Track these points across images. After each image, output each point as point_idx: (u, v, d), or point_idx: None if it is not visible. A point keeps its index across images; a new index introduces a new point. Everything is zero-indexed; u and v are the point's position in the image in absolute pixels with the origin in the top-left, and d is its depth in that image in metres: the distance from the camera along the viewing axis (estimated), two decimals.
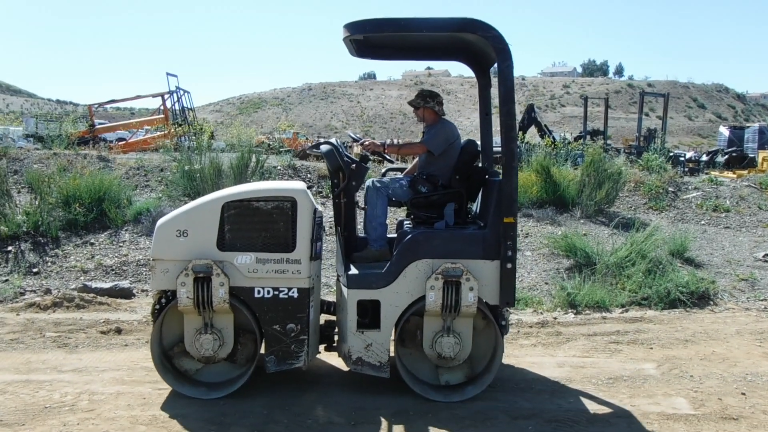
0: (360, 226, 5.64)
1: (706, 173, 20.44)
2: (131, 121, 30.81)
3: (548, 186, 11.31)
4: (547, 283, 8.28)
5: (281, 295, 4.58)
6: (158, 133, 22.32)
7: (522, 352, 5.95)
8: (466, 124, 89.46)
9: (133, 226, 9.92)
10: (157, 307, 4.72)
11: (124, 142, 22.10)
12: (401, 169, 6.04)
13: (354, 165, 4.98)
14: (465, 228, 4.91)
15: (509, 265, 4.57)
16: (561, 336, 6.49)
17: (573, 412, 4.58)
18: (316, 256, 4.67)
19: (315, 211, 4.63)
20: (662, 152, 16.22)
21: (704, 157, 30.48)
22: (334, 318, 5.19)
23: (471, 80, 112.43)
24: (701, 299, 7.80)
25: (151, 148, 17.97)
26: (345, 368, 4.93)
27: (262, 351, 4.68)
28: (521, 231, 10.00)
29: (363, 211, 5.36)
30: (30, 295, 7.53)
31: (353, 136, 5.50)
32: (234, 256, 4.54)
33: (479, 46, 4.98)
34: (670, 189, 12.72)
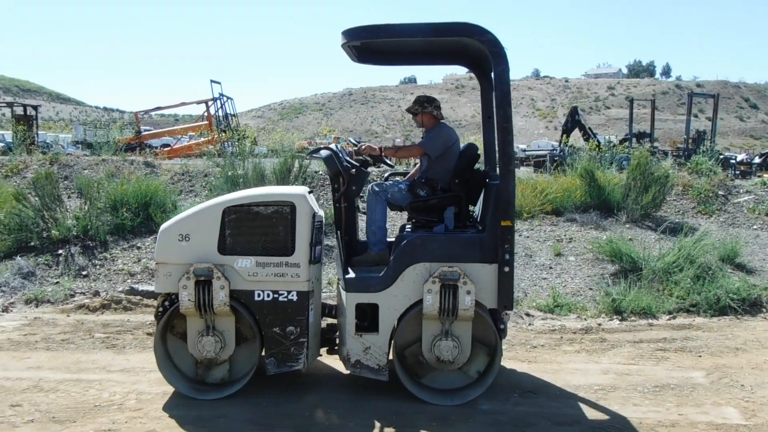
0: (362, 231, 5.64)
1: (759, 176, 19.77)
2: (176, 127, 31.46)
3: (592, 190, 11.11)
4: (591, 289, 8.13)
5: (281, 298, 4.65)
6: (202, 139, 22.75)
7: (565, 359, 5.86)
8: None
9: None
10: (161, 309, 4.80)
11: (168, 149, 22.60)
12: (404, 174, 6.03)
13: (354, 170, 4.98)
14: (463, 231, 4.89)
15: (507, 269, 4.56)
16: (605, 342, 6.37)
17: (617, 419, 4.48)
18: (315, 259, 4.72)
19: (314, 215, 4.69)
20: (712, 155, 15.76)
21: (756, 159, 29.54)
22: (335, 321, 5.23)
23: (513, 83, 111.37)
24: (753, 306, 7.56)
25: (195, 154, 18.33)
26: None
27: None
28: (565, 236, 9.86)
29: (364, 215, 5.38)
30: (79, 297, 7.75)
31: (353, 141, 5.51)
32: (234, 260, 4.64)
33: (478, 49, 4.93)
34: (720, 193, 12.35)
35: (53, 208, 9.43)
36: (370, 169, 5.54)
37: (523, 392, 4.96)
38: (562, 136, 26.99)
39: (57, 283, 8.18)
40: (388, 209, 5.30)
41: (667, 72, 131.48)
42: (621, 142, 22.86)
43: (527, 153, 33.30)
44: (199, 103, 24.53)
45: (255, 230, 4.67)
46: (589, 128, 29.44)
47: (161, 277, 4.70)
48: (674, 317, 7.31)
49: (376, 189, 5.14)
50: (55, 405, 4.54)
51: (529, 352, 6.07)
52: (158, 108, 27.74)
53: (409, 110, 5.46)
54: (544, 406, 4.69)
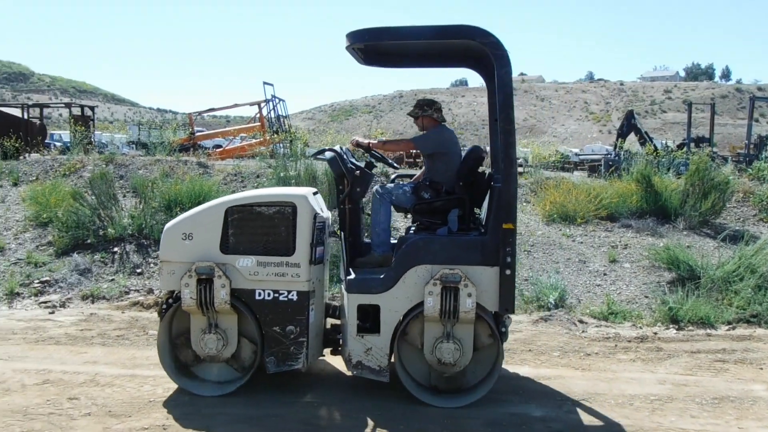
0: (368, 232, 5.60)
1: None
2: (228, 128, 32.02)
3: (649, 196, 10.81)
4: (646, 297, 7.90)
5: (281, 298, 4.69)
6: (254, 140, 23.09)
7: (620, 367, 5.71)
8: (561, 131, 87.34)
9: None
10: (164, 306, 4.89)
11: (221, 149, 22.97)
12: (411, 176, 5.98)
13: (358, 171, 4.99)
14: (466, 234, 4.84)
15: (508, 272, 4.50)
16: (662, 352, 6.17)
17: (673, 431, 4.34)
18: (317, 260, 4.75)
19: (316, 216, 4.71)
20: None
21: None
22: (339, 322, 5.18)
23: (566, 86, 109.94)
24: None
25: (248, 155, 18.60)
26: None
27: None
28: (619, 242, 9.62)
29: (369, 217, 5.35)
30: (134, 294, 7.96)
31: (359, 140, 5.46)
32: (236, 259, 4.69)
33: (483, 52, 4.86)
34: None
35: (109, 206, 9.71)
36: (375, 170, 5.52)
37: (577, 400, 4.86)
38: (617, 140, 26.33)
39: (112, 280, 8.42)
40: (394, 211, 5.34)
41: (726, 75, 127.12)
42: (679, 147, 22.17)
43: (581, 157, 32.60)
44: (251, 104, 24.87)
45: (257, 230, 4.73)
46: (645, 132, 28.67)
47: (165, 275, 4.81)
48: (734, 328, 7.03)
49: (381, 191, 5.16)
50: (111, 399, 4.66)
51: (582, 359, 5.93)
52: (212, 109, 28.25)
53: (410, 114, 5.44)
54: (598, 414, 4.57)
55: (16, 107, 24.41)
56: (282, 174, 10.98)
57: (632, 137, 27.75)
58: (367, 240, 5.52)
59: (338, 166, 4.96)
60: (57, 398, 4.66)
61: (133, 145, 27.53)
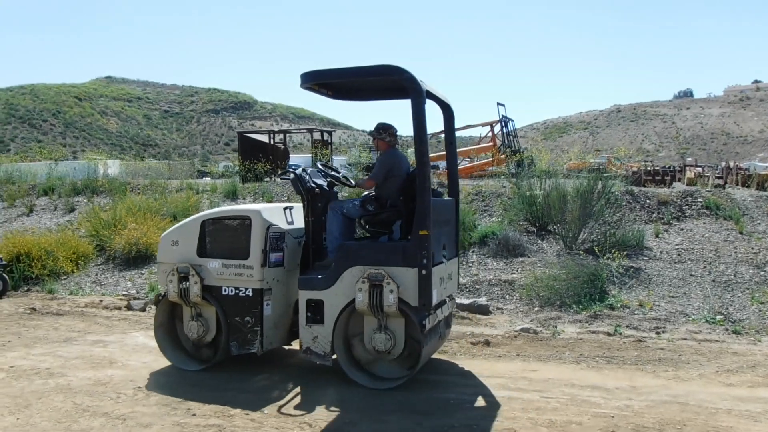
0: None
1: None
2: (463, 149, 32.91)
3: None
4: None
5: (240, 294, 5.71)
6: (487, 159, 23.53)
7: None
8: None
9: (479, 248, 10.70)
10: (160, 297, 6.12)
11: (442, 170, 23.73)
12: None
13: (318, 189, 5.83)
14: (398, 241, 5.51)
15: (424, 272, 5.06)
16: None
17: None
18: (271, 264, 5.67)
19: (269, 227, 5.64)
20: None
21: None
22: None
23: None
24: None
25: (480, 174, 19.04)
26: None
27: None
28: None
29: None
30: None
31: (321, 165, 6.29)
32: (207, 262, 5.80)
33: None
34: None
35: None
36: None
37: None
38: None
39: None
40: (355, 222, 6.01)
41: None
42: None
43: None
44: (484, 125, 25.44)
45: (223, 238, 5.83)
46: None
47: (160, 274, 6.06)
48: None
49: (333, 205, 5.87)
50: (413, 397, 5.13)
51: None
52: (442, 131, 29.13)
53: (369, 134, 6.11)
54: None
55: (263, 133, 27.48)
56: (528, 193, 11.15)
57: None
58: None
59: (297, 186, 5.78)
60: None
61: (352, 167, 29.22)
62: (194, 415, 4.77)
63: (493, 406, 4.95)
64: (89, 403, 5.05)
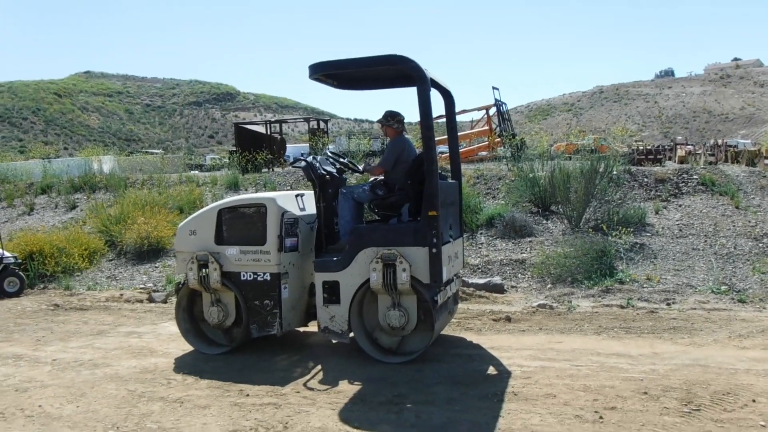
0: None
1: None
2: (462, 133, 32.94)
3: None
4: None
5: (258, 278, 5.97)
6: (481, 143, 23.76)
7: None
8: None
9: (486, 229, 11.01)
10: (180, 285, 6.39)
11: (445, 154, 23.95)
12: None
13: (329, 176, 6.07)
14: (406, 223, 5.86)
15: (434, 250, 5.35)
16: None
17: None
18: (287, 249, 5.93)
19: (284, 214, 5.89)
20: None
21: None
22: None
23: None
24: None
25: (476, 158, 19.33)
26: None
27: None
28: None
29: None
30: None
31: (330, 152, 6.49)
32: (225, 249, 6.05)
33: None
34: None
35: None
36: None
37: None
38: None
39: None
40: (365, 206, 6.30)
41: None
42: None
43: None
44: (479, 109, 25.60)
45: (240, 226, 6.05)
46: None
47: (179, 263, 6.30)
48: None
49: (344, 191, 6.11)
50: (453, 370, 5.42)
51: None
52: (440, 116, 29.19)
53: (378, 121, 6.28)
54: None
55: (259, 124, 27.48)
56: (531, 175, 11.44)
57: None
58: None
59: (309, 173, 6.00)
60: None
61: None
62: (248, 395, 5.01)
63: (529, 374, 5.25)
64: (143, 389, 5.27)
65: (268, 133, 25.45)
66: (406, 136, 6.33)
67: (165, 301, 9.25)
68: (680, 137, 47.36)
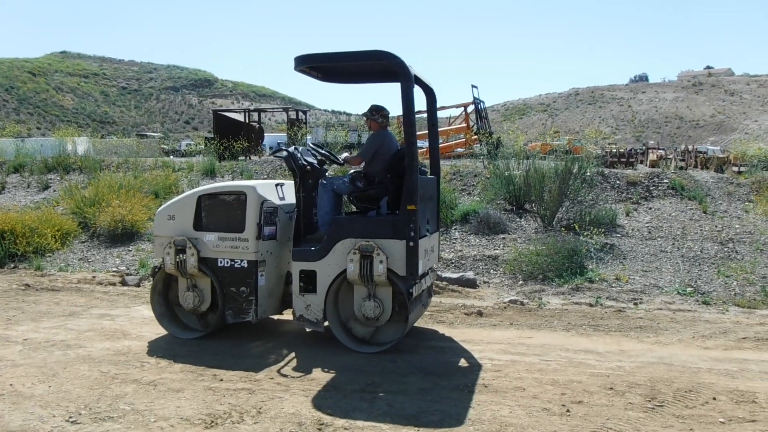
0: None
1: None
2: (441, 129, 33.00)
3: None
4: None
5: (236, 265, 5.99)
6: (458, 140, 23.93)
7: None
8: (754, 127, 79.85)
9: (461, 225, 11.14)
10: (156, 269, 6.45)
11: (424, 149, 24.07)
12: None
13: (309, 167, 6.13)
14: (384, 215, 5.90)
15: (411, 244, 5.43)
16: None
17: None
18: (265, 237, 5.97)
19: (263, 202, 5.93)
20: None
21: None
22: None
23: (759, 79, 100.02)
24: None
25: (453, 155, 19.47)
26: None
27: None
28: None
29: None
30: None
31: (311, 145, 6.52)
32: (204, 235, 6.08)
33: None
34: None
35: None
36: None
37: None
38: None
39: None
40: (344, 198, 6.41)
41: None
42: None
43: None
44: (458, 106, 25.74)
45: (219, 212, 6.07)
46: None
47: (157, 247, 6.32)
48: None
49: (324, 182, 6.19)
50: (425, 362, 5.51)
51: None
52: (421, 111, 29.17)
53: (363, 114, 6.42)
54: None
55: (239, 112, 27.29)
56: (507, 173, 11.59)
57: None
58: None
59: (290, 163, 6.05)
60: None
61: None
62: (222, 380, 5.06)
63: (500, 368, 5.37)
64: (116, 371, 5.27)
65: (247, 121, 25.33)
66: (389, 130, 6.39)
67: (138, 285, 9.21)
68: (652, 141, 48.16)
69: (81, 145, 21.43)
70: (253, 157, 20.15)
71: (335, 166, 7.03)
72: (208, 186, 6.52)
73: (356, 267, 5.54)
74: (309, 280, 5.83)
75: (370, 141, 6.22)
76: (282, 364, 5.51)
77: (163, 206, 6.49)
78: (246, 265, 5.97)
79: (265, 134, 28.40)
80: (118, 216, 11.59)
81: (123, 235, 11.63)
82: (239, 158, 18.56)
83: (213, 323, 6.25)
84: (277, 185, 6.47)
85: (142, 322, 6.97)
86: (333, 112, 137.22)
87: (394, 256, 5.51)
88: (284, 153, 6.20)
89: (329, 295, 5.77)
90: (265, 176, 14.86)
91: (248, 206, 5.97)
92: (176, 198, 6.51)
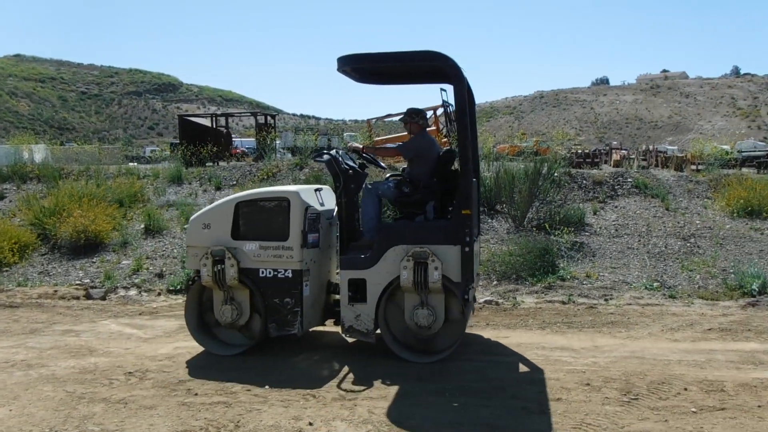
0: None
1: None
2: (402, 134, 32.94)
3: None
4: None
5: (279, 275, 5.67)
6: None
7: None
8: (707, 128, 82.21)
9: None
10: (191, 281, 6.07)
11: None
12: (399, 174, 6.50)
13: (351, 171, 5.86)
14: (437, 220, 5.70)
15: (467, 249, 5.25)
16: None
17: None
18: (309, 245, 5.70)
19: (307, 208, 5.66)
20: None
21: None
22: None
23: (711, 82, 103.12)
24: None
25: None
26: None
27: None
28: None
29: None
30: None
31: (354, 145, 6.28)
32: (243, 244, 5.72)
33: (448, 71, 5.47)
34: None
35: None
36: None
37: None
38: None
39: None
40: (389, 204, 5.98)
41: None
42: None
43: (744, 154, 30.26)
44: (427, 110, 25.54)
45: (260, 220, 5.74)
46: None
47: (190, 257, 5.93)
48: None
49: (369, 187, 6.01)
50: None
51: None
52: (389, 115, 28.90)
53: (401, 119, 6.24)
54: None
55: (205, 117, 26.83)
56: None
57: None
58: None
59: (333, 167, 5.78)
60: None
61: (287, 151, 28.27)
62: (196, 394, 4.91)
63: (479, 368, 5.38)
64: (82, 390, 5.06)
65: (214, 126, 24.95)
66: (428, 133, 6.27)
67: (104, 298, 8.96)
68: (615, 142, 49.04)
69: (38, 152, 20.81)
70: (221, 163, 19.85)
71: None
72: (245, 192, 6.14)
73: (410, 274, 5.35)
74: (358, 289, 5.60)
75: (414, 142, 6.04)
76: (268, 374, 5.37)
77: (196, 214, 6.14)
78: (291, 275, 5.67)
79: (233, 139, 28.01)
80: (81, 226, 11.24)
81: (86, 246, 11.29)
82: (207, 164, 18.26)
83: (256, 336, 5.89)
84: (316, 190, 6.20)
85: (109, 337, 6.76)
86: (302, 116, 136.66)
87: (448, 262, 5.34)
88: (326, 157, 5.88)
89: (380, 305, 5.55)
90: (234, 182, 14.67)
91: (292, 213, 5.68)
92: (211, 205, 6.17)
